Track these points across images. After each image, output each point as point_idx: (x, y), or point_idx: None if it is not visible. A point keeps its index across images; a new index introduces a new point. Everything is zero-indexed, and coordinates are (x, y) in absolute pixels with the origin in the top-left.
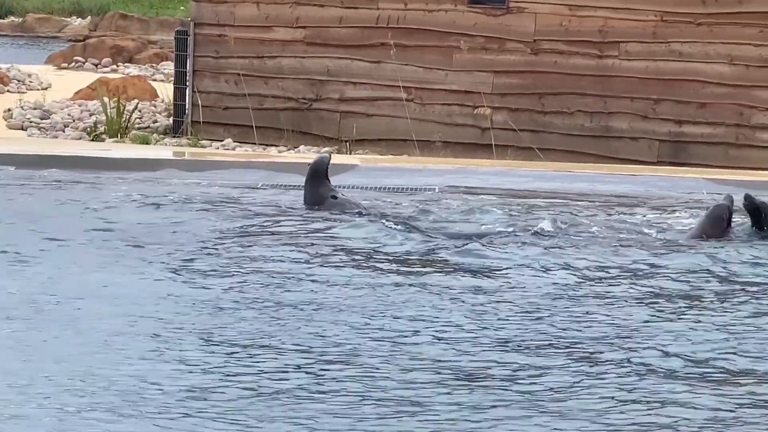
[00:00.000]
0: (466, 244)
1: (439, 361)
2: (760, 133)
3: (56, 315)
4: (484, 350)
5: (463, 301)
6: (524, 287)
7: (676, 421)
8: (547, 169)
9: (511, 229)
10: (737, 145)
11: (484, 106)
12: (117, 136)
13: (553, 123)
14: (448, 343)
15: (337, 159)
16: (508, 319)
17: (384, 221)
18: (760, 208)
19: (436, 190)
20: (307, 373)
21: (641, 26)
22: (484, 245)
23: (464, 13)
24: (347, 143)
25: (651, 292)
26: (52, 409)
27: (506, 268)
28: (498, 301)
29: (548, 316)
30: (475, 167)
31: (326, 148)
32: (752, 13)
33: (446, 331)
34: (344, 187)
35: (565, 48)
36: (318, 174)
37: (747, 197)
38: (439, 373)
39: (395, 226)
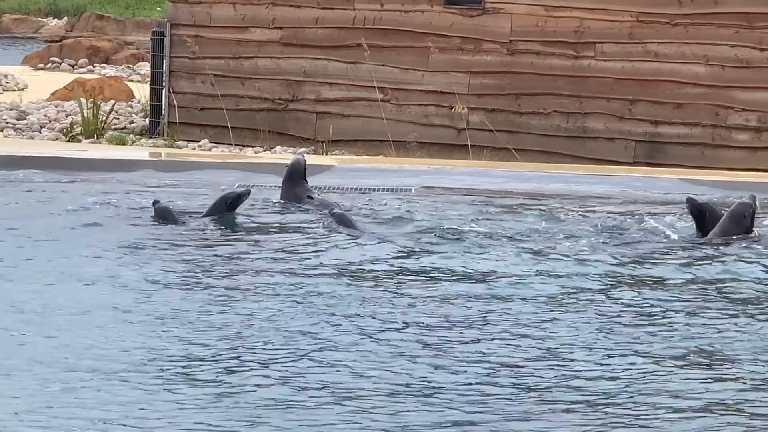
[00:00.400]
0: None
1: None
2: (736, 134)
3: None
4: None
5: (467, 307)
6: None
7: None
8: (523, 169)
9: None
10: (713, 146)
11: (460, 106)
12: (93, 137)
13: (529, 123)
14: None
15: (313, 160)
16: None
17: (359, 223)
18: (704, 211)
19: (413, 191)
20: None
21: (617, 27)
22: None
23: (440, 13)
24: (323, 144)
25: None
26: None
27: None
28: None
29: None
30: (451, 168)
31: (302, 149)
32: (728, 14)
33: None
34: (320, 188)
35: (541, 48)
36: (295, 174)
37: (689, 200)
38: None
39: (370, 228)
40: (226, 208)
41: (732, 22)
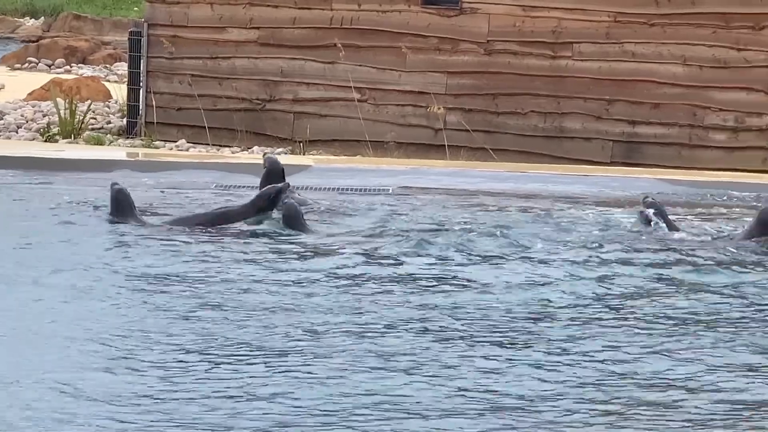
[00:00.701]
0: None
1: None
2: (713, 134)
3: None
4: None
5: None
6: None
7: None
8: (500, 169)
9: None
10: (690, 146)
11: (436, 106)
12: (71, 137)
13: (506, 123)
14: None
15: (290, 160)
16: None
17: (334, 222)
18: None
19: (390, 191)
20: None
21: (594, 27)
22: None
23: (418, 13)
24: (301, 144)
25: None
26: None
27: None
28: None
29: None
30: (428, 168)
31: (279, 149)
32: (705, 14)
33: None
34: (298, 188)
35: (519, 49)
36: (273, 175)
37: (645, 200)
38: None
39: (346, 228)
40: (266, 206)
41: (709, 23)
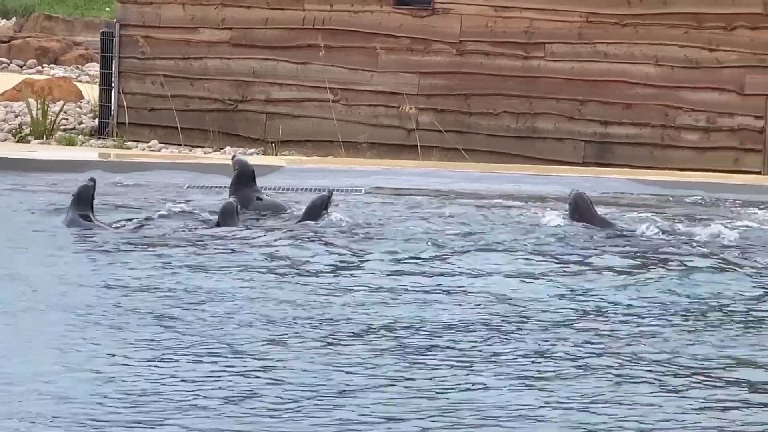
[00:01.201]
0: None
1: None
2: (685, 134)
3: None
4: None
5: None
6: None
7: None
8: (473, 170)
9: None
10: (662, 146)
11: (408, 106)
12: (43, 138)
13: (478, 124)
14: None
15: (263, 160)
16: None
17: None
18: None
19: (363, 191)
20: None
21: (567, 27)
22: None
23: (390, 14)
24: (273, 144)
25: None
26: None
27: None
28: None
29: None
30: (400, 168)
31: (252, 150)
32: (677, 14)
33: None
34: (270, 189)
35: (491, 49)
36: (244, 177)
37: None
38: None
39: (321, 229)
40: (319, 212)
41: (681, 23)
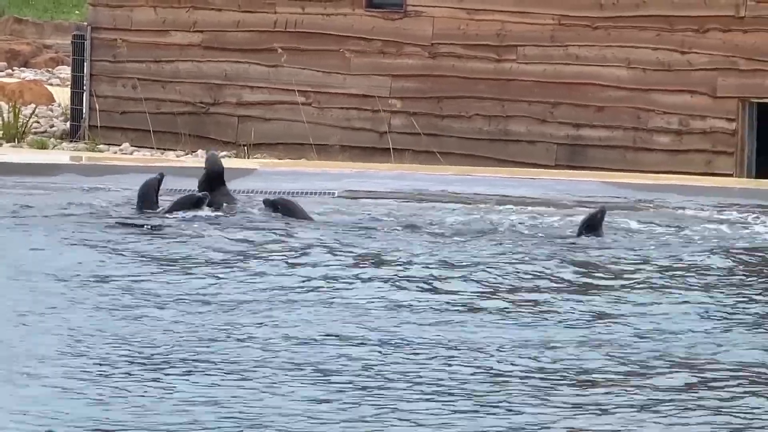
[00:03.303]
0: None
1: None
2: (657, 137)
3: None
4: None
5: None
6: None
7: None
8: (446, 173)
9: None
10: (635, 149)
11: (390, 99)
12: (14, 141)
13: (451, 127)
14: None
15: (236, 163)
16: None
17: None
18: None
19: (335, 194)
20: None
21: (539, 30)
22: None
23: (362, 17)
24: (245, 147)
25: None
26: None
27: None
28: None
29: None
30: (374, 171)
31: (224, 152)
32: (649, 17)
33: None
34: (242, 192)
35: (463, 52)
36: (213, 176)
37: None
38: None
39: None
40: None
41: (653, 25)
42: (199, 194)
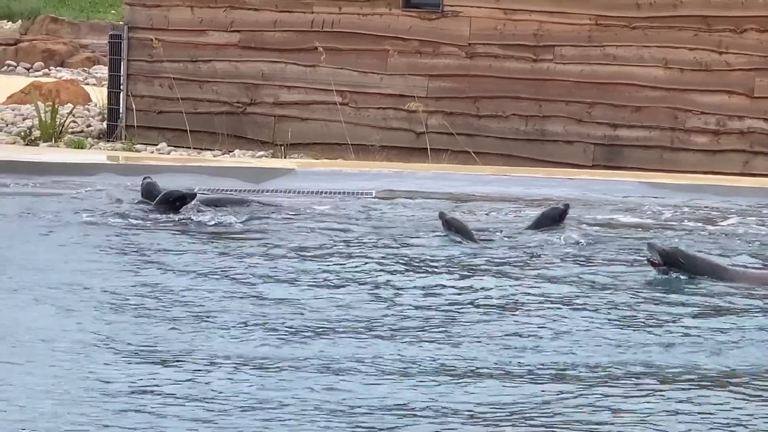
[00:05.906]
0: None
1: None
2: (695, 137)
3: None
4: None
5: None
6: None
7: None
8: (483, 172)
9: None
10: (672, 149)
11: (416, 104)
12: (51, 141)
13: (488, 127)
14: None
15: (273, 163)
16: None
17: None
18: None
19: (373, 194)
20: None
21: (576, 30)
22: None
23: (399, 17)
24: (282, 147)
25: None
26: None
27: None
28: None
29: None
30: (411, 171)
31: (261, 152)
32: (687, 17)
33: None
34: (281, 192)
35: (500, 52)
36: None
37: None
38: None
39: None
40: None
41: (690, 25)
42: (187, 191)
